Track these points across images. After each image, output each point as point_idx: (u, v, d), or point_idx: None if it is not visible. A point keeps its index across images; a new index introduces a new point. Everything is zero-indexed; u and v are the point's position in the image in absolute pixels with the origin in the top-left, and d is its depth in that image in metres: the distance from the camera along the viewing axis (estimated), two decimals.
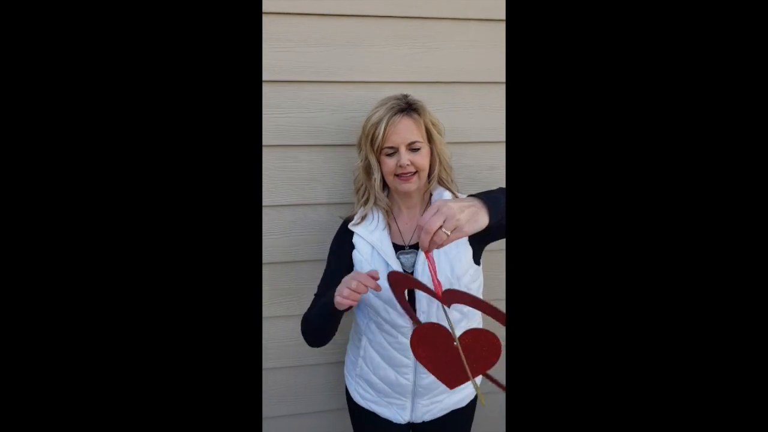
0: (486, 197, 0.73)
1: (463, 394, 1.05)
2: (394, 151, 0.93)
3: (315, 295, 1.03)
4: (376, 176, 0.97)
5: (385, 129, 0.91)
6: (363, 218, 1.00)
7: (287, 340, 1.21)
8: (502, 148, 1.17)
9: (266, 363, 1.20)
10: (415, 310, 0.95)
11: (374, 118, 0.93)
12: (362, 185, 1.01)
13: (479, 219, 0.69)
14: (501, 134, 1.17)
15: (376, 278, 0.80)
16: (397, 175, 0.94)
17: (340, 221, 1.06)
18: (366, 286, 0.79)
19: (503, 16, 1.10)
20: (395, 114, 0.92)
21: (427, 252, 0.68)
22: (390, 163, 0.93)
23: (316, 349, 1.04)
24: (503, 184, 1.19)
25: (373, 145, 0.94)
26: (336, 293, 0.82)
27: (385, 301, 0.95)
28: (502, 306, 0.66)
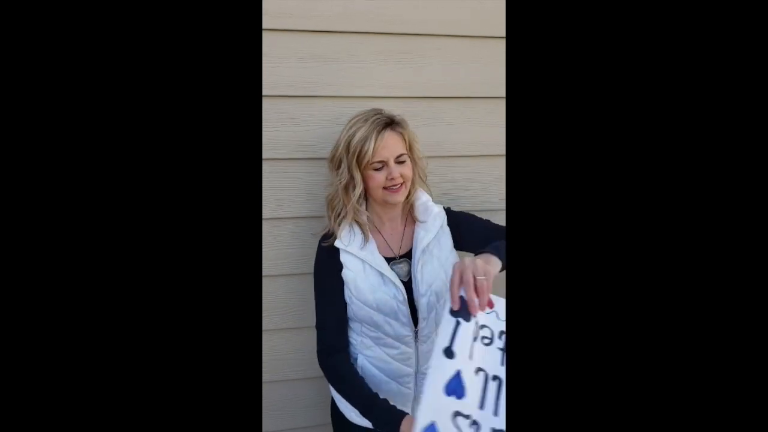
0: (489, 247, 0.86)
1: None
2: (383, 165, 0.94)
3: (320, 329, 1.01)
4: (357, 191, 0.96)
5: (374, 144, 0.92)
6: (343, 235, 0.98)
7: (285, 353, 1.21)
8: (487, 162, 1.20)
9: (264, 376, 1.19)
10: (416, 316, 0.97)
11: (359, 135, 0.92)
12: (340, 201, 0.98)
13: (491, 260, 0.82)
14: (486, 148, 1.20)
15: None
16: (386, 188, 0.95)
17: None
18: None
19: (488, 33, 1.14)
20: (382, 129, 0.93)
21: (480, 308, 0.77)
22: (379, 176, 0.94)
23: (312, 362, 1.02)
24: (489, 198, 1.22)
25: (360, 161, 0.93)
26: None
27: (386, 314, 0.96)
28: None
